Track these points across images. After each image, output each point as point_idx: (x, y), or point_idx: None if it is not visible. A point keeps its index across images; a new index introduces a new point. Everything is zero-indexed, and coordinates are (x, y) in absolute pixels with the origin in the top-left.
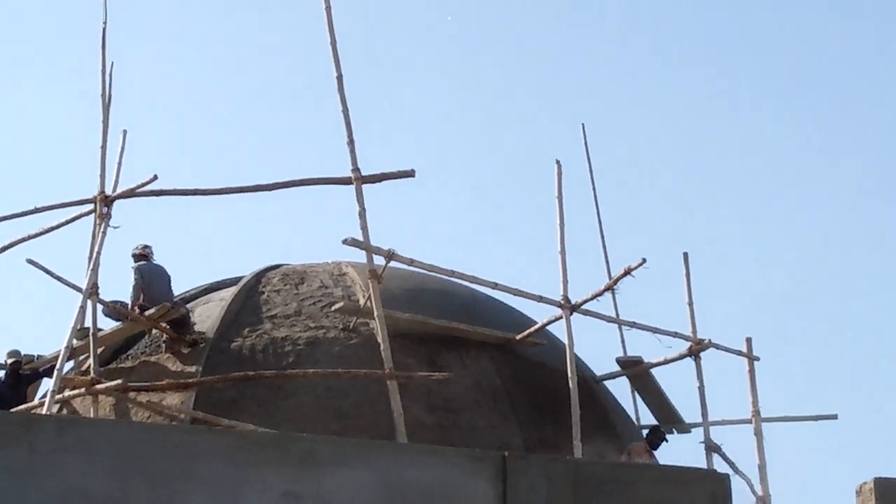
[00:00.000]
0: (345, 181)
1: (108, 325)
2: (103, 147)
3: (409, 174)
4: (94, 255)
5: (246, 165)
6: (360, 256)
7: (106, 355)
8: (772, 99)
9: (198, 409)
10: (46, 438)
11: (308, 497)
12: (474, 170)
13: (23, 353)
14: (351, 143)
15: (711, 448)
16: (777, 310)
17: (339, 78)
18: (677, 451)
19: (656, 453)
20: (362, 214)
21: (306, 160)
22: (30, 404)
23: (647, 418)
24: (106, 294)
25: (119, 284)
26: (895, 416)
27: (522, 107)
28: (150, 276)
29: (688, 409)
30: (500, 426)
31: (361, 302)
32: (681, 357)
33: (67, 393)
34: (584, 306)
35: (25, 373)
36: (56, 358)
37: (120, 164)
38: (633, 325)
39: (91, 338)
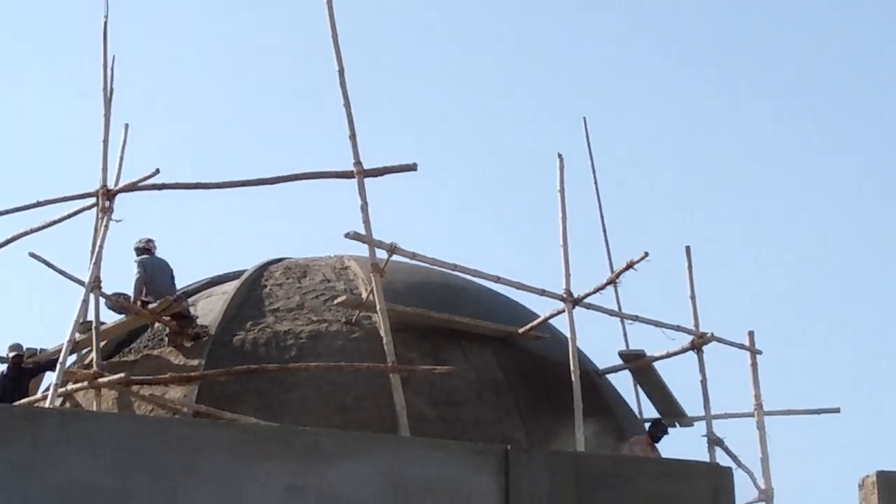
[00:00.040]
0: (347, 175)
1: (111, 318)
2: (105, 141)
3: (412, 168)
4: (97, 248)
5: (248, 159)
6: (362, 250)
7: (108, 349)
8: (774, 91)
9: (200, 402)
10: (49, 432)
11: (311, 490)
12: (476, 163)
13: (25, 346)
14: (353, 136)
15: (714, 442)
16: (780, 303)
17: (341, 72)
18: (679, 445)
19: (658, 446)
20: (364, 208)
21: (308, 154)
22: (33, 398)
23: (650, 412)
24: (108, 288)
25: (121, 278)
26: None
27: (525, 101)
28: (153, 270)
29: (690, 403)
30: (502, 420)
31: (364, 295)
32: (683, 351)
33: (70, 386)
34: (586, 300)
35: (28, 366)
36: (59, 352)
37: (122, 157)
38: (635, 318)
39: (94, 331)
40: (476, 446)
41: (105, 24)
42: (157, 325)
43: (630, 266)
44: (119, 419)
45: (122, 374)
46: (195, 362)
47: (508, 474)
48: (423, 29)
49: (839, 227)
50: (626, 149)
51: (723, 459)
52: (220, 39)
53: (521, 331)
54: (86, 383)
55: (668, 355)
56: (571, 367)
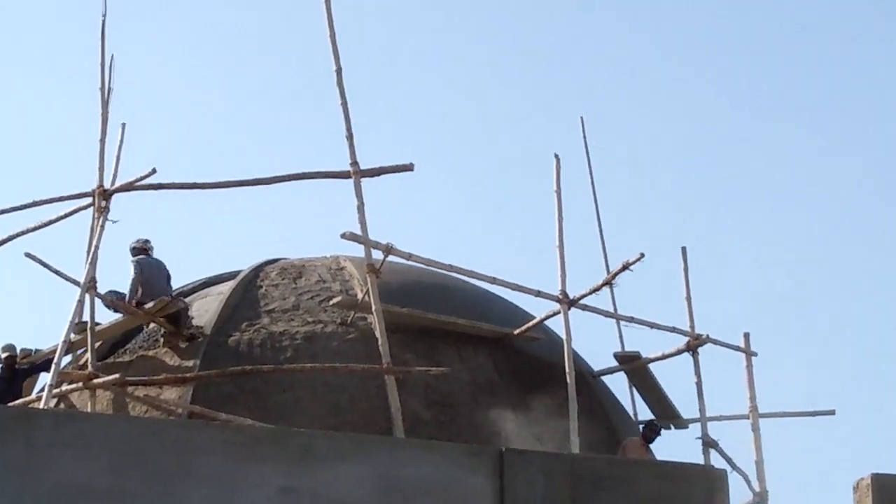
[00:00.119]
0: (343, 175)
1: (107, 318)
2: (102, 140)
3: (408, 168)
4: (93, 248)
5: (244, 159)
6: (358, 251)
7: (103, 349)
8: (772, 92)
9: (195, 403)
10: (44, 433)
11: (305, 492)
12: (473, 164)
13: (21, 347)
14: (350, 136)
15: (709, 444)
16: (775, 305)
17: (339, 72)
18: (674, 447)
19: (653, 448)
20: (361, 208)
21: (305, 154)
22: (27, 398)
23: (645, 413)
24: (103, 289)
25: (117, 278)
26: (893, 412)
27: (521, 101)
28: (150, 271)
29: (685, 405)
30: (497, 421)
31: (359, 296)
32: (678, 352)
33: (65, 387)
34: (582, 301)
35: (22, 367)
36: (53, 352)
37: (118, 157)
38: (630, 320)
39: (89, 332)
40: (471, 448)
41: (103, 23)
42: (152, 325)
43: (626, 267)
44: (114, 420)
45: (116, 375)
46: (190, 363)
47: (503, 476)
48: (420, 29)
49: (835, 229)
50: (623, 149)
51: (718, 461)
52: (216, 39)
53: (516, 332)
54: (80, 384)
55: (664, 357)
56: (567, 369)
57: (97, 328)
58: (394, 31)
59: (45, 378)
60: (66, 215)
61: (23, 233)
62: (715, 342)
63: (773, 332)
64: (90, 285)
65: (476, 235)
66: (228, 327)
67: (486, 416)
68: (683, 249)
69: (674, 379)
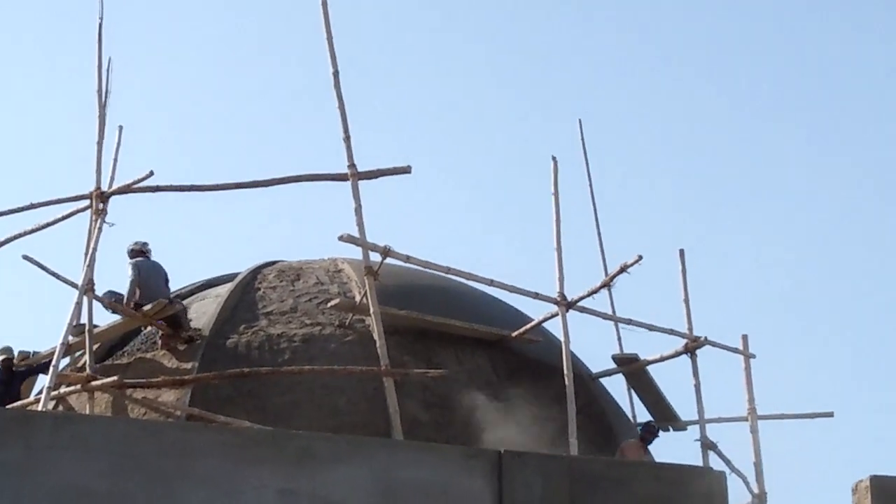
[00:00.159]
0: (341, 177)
1: (105, 320)
2: (99, 143)
3: (406, 170)
4: (90, 251)
5: (242, 161)
6: (356, 253)
7: (101, 352)
8: (770, 92)
9: (194, 405)
10: (42, 435)
11: (304, 494)
12: (470, 166)
13: (19, 349)
14: (347, 139)
15: (707, 446)
16: (773, 307)
17: (336, 74)
18: (673, 449)
19: (651, 450)
20: (358, 211)
21: (302, 156)
22: (25, 401)
23: (643, 416)
24: (101, 291)
25: (115, 280)
26: (892, 413)
27: (519, 103)
28: (147, 273)
29: (684, 407)
30: (495, 423)
31: (357, 298)
32: (677, 354)
33: (63, 389)
34: (580, 303)
35: (19, 369)
36: (51, 354)
37: (116, 160)
38: (629, 322)
39: (87, 334)
40: (469, 450)
41: (100, 26)
42: (150, 328)
43: (624, 269)
44: (112, 422)
45: (115, 378)
46: (188, 365)
47: (502, 478)
48: (417, 32)
49: (834, 230)
50: (621, 152)
51: (716, 463)
52: (213, 42)
53: (514, 334)
54: (79, 386)
55: (662, 359)
56: (565, 371)
57: (95, 330)
58: (391, 34)
59: (43, 380)
60: (64, 218)
61: (20, 235)
62: (713, 344)
63: (771, 333)
64: (88, 288)
65: (474, 237)
66: (226, 329)
67: (485, 417)
68: (681, 252)
69: (672, 381)
